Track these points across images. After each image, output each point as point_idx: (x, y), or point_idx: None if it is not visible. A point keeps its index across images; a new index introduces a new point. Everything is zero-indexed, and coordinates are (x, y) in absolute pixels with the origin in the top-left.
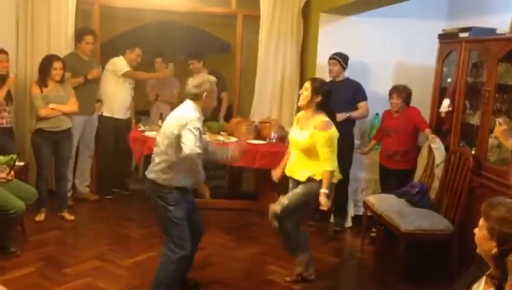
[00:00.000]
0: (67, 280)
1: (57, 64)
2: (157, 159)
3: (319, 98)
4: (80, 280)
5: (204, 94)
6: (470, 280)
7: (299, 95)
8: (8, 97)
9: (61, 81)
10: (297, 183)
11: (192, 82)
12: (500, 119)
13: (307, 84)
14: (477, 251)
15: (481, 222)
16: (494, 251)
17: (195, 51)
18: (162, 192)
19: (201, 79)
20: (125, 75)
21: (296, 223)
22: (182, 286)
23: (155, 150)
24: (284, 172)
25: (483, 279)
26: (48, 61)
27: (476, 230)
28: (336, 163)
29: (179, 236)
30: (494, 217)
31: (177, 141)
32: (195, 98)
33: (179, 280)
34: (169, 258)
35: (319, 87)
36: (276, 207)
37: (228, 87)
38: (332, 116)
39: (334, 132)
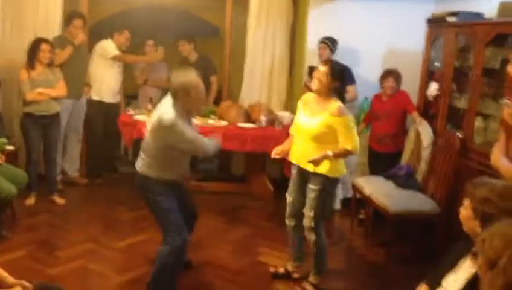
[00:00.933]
0: (60, 263)
1: (45, 47)
2: (143, 155)
3: (336, 83)
4: (72, 263)
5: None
6: (457, 257)
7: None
8: None
9: (50, 64)
10: (305, 172)
11: (175, 78)
12: (508, 101)
13: (324, 69)
14: (464, 229)
15: (465, 201)
16: (478, 229)
17: (186, 33)
18: (149, 185)
19: (184, 78)
20: (115, 59)
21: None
22: None
23: (143, 145)
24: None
25: (470, 256)
26: (36, 44)
27: (461, 209)
28: (355, 144)
29: (175, 224)
30: (477, 197)
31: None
32: (174, 97)
33: (181, 266)
34: (171, 247)
35: (335, 71)
36: (307, 222)
37: (217, 71)
38: (342, 100)
39: (350, 115)
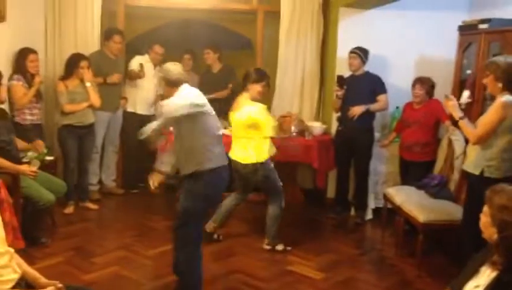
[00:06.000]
0: (95, 269)
1: (84, 64)
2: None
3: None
4: (106, 269)
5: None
6: (479, 263)
7: None
8: (38, 95)
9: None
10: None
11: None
12: (451, 95)
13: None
14: (483, 235)
15: (485, 208)
16: (495, 237)
17: (213, 42)
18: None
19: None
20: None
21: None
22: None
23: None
24: None
25: (489, 263)
26: (76, 60)
27: (481, 215)
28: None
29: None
30: (496, 204)
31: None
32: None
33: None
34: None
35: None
36: None
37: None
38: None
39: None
